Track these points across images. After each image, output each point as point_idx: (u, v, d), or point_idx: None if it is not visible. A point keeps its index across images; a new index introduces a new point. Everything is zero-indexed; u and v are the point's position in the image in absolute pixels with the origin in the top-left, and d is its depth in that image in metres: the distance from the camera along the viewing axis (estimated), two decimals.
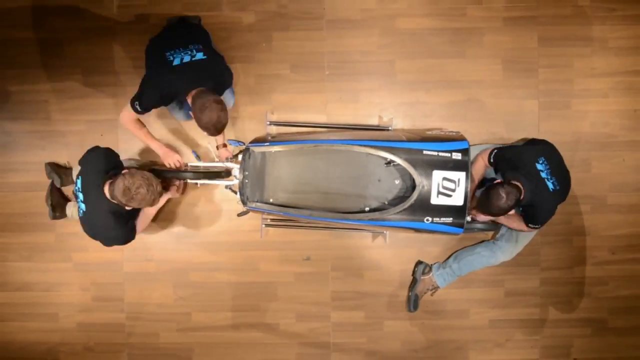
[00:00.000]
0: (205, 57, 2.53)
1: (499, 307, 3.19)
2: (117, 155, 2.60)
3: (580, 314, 3.21)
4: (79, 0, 3.11)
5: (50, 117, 3.14)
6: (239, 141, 3.01)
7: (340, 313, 3.21)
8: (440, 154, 2.57)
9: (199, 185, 3.08)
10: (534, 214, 2.64)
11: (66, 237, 3.19)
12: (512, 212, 2.69)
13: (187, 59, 2.50)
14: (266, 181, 2.81)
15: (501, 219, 2.78)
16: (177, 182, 2.95)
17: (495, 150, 2.69)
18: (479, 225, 2.88)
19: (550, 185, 2.57)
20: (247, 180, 2.76)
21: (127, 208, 2.45)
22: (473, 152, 2.75)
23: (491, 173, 2.83)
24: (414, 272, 3.16)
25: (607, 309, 3.20)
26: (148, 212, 2.78)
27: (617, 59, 3.10)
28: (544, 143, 2.75)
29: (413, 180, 2.56)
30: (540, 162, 2.60)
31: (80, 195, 2.50)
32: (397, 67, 3.11)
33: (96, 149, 2.57)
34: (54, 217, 3.05)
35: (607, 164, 3.13)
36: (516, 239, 2.92)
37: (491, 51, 3.10)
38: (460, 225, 2.59)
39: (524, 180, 2.54)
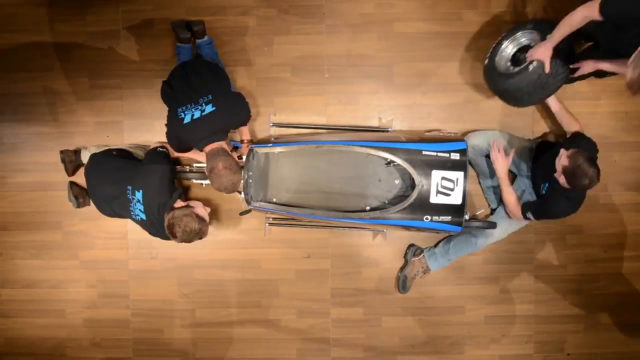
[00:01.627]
0: (213, 108, 2.53)
1: (494, 303, 3.24)
2: (175, 168, 2.79)
3: (574, 311, 3.24)
4: (85, 5, 3.16)
5: (58, 119, 3.19)
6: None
7: (340, 309, 3.24)
8: (439, 154, 2.61)
9: (204, 186, 3.11)
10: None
11: (73, 236, 3.24)
12: (514, 200, 2.79)
13: (197, 114, 2.53)
14: (269, 181, 2.85)
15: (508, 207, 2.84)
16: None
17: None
18: (477, 224, 2.88)
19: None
20: (251, 180, 2.79)
21: None
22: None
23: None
24: (405, 254, 3.18)
25: (599, 305, 3.24)
26: None
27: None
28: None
29: (412, 180, 2.61)
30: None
31: (140, 206, 2.58)
32: (395, 70, 3.15)
33: (162, 165, 2.64)
34: (78, 206, 3.10)
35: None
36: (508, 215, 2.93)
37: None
38: (459, 224, 2.64)
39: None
